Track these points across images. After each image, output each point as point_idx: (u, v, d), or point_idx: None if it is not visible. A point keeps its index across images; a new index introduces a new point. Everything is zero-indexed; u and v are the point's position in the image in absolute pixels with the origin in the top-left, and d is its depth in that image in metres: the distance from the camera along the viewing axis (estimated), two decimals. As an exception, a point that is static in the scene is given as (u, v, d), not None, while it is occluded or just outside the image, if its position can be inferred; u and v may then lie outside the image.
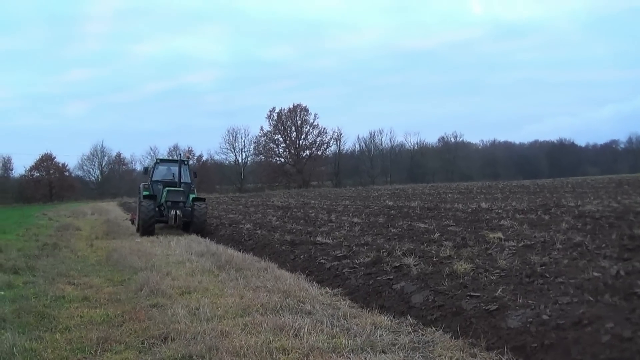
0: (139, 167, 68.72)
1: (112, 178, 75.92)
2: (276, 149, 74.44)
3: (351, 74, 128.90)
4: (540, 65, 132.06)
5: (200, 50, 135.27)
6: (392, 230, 10.89)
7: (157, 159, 19.83)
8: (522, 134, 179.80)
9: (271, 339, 4.58)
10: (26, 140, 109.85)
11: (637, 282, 4.75)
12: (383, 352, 4.28)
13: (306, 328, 4.83)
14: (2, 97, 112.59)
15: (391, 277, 6.49)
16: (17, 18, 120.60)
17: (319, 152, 74.39)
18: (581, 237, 7.72)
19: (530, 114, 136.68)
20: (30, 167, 67.77)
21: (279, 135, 73.66)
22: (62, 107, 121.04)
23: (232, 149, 76.10)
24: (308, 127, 73.30)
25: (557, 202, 15.99)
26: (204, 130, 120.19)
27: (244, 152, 76.71)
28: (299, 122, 73.17)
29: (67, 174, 70.61)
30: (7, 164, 67.70)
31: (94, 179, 76.69)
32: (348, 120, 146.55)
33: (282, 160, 74.86)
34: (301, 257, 9.08)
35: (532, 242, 7.67)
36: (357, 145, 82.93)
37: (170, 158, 24.60)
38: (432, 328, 4.89)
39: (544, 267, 5.88)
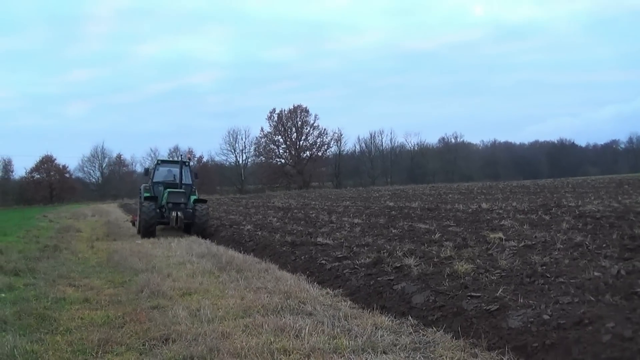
0: (139, 169, 68.90)
1: (112, 179, 75.95)
2: (276, 150, 74.52)
3: (352, 75, 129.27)
4: (540, 66, 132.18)
5: (202, 51, 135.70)
6: (393, 231, 10.89)
7: (158, 160, 19.76)
8: (522, 135, 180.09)
9: (272, 340, 4.59)
10: (26, 141, 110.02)
11: (637, 282, 4.75)
12: (384, 352, 4.28)
13: (307, 329, 4.83)
14: (3, 97, 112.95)
15: (392, 277, 6.49)
16: (19, 18, 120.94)
17: (320, 153, 74.40)
18: (582, 237, 7.72)
19: (531, 114, 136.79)
20: (31, 169, 67.93)
21: (280, 137, 73.73)
22: (62, 108, 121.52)
23: (233, 150, 76.28)
24: (308, 128, 73.42)
25: (557, 202, 15.98)
26: (205, 131, 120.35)
27: (245, 153, 76.92)
28: (300, 123, 73.24)
29: (67, 175, 70.70)
30: (7, 165, 67.85)
31: (94, 180, 76.85)
32: (348, 121, 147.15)
33: (283, 161, 74.87)
34: (302, 258, 9.08)
35: (533, 242, 7.66)
36: (358, 146, 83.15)
37: (171, 159, 24.57)
38: (433, 328, 4.89)
39: (544, 267, 5.88)
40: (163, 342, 4.73)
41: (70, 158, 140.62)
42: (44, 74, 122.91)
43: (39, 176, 68.08)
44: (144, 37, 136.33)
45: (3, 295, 6.91)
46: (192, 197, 16.74)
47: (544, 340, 4.03)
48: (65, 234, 17.96)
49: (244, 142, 76.18)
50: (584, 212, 11.31)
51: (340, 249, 8.93)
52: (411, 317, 5.28)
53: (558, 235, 8.09)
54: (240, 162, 77.21)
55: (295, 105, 73.29)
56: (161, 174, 17.93)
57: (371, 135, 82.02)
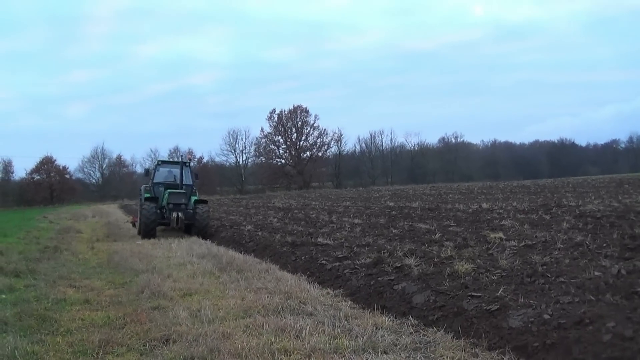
0: (139, 169, 68.92)
1: (112, 180, 75.94)
2: (277, 151, 74.52)
3: (352, 75, 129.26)
4: (540, 66, 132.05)
5: (202, 51, 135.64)
6: (393, 231, 10.89)
7: (158, 161, 19.70)
8: (522, 135, 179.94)
9: (273, 341, 4.59)
10: (27, 142, 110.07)
11: (638, 281, 4.75)
12: (385, 352, 4.28)
13: (308, 329, 4.83)
14: (3, 98, 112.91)
15: (392, 277, 6.49)
16: (18, 19, 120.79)
17: (320, 154, 74.39)
18: (582, 236, 7.71)
19: (531, 114, 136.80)
20: (31, 170, 67.83)
21: (280, 137, 73.73)
22: (62, 109, 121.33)
23: (233, 151, 76.29)
24: (308, 129, 73.41)
25: (558, 201, 15.98)
26: (205, 131, 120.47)
27: (245, 153, 76.93)
28: (300, 123, 73.24)
29: (67, 176, 70.61)
30: (7, 166, 67.81)
31: (94, 181, 76.81)
32: (349, 121, 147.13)
33: (283, 161, 74.85)
34: (302, 258, 9.08)
35: (533, 242, 7.66)
36: (358, 146, 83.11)
37: (172, 160, 24.54)
38: (433, 328, 4.89)
39: (545, 266, 5.87)
40: (164, 342, 4.73)
41: (71, 159, 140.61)
42: (44, 75, 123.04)
43: (39, 177, 68.05)
44: (144, 38, 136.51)
45: (3, 296, 6.91)
46: (193, 198, 16.69)
47: (544, 340, 4.03)
48: (65, 235, 17.96)
49: (244, 143, 76.36)
50: (585, 212, 11.31)
51: (340, 249, 8.93)
52: (412, 317, 5.28)
53: (558, 235, 8.09)
54: (241, 162, 77.34)
55: (295, 106, 73.41)
56: (162, 174, 17.90)
57: (371, 135, 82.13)
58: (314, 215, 17.71)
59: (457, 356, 4.16)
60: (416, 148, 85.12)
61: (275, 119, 73.23)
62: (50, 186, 67.16)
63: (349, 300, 6.32)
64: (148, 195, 16.66)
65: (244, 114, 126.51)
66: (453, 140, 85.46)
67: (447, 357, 4.16)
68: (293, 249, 9.96)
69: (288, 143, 73.56)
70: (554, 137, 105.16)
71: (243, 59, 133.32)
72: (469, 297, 5.16)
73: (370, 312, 5.69)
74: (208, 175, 63.65)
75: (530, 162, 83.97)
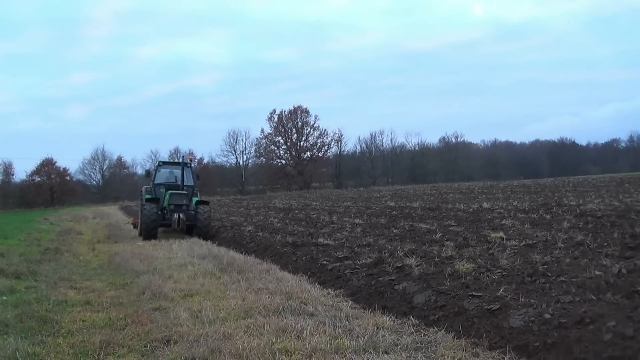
0: (140, 171, 69.00)
1: (113, 182, 75.97)
2: (277, 151, 74.57)
3: (352, 75, 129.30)
4: (540, 65, 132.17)
5: (202, 52, 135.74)
6: (394, 231, 10.89)
7: (159, 162, 19.59)
8: (523, 134, 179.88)
9: (274, 341, 4.59)
10: (27, 144, 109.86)
11: (639, 281, 4.75)
12: (385, 352, 4.29)
13: (309, 329, 4.83)
14: (4, 100, 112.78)
15: (393, 277, 6.49)
16: (19, 22, 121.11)
17: (320, 154, 74.42)
18: (583, 236, 7.71)
19: (531, 113, 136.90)
20: (32, 172, 67.88)
21: (280, 137, 73.77)
22: (63, 111, 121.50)
23: (233, 152, 76.30)
24: (309, 129, 73.46)
25: (558, 201, 15.98)
26: (205, 132, 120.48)
27: (245, 154, 76.97)
28: (300, 123, 73.28)
29: (68, 178, 70.64)
30: (8, 169, 67.81)
31: (95, 183, 76.84)
32: (349, 121, 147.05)
33: (283, 162, 74.86)
34: (303, 258, 9.08)
35: (534, 242, 7.66)
36: (358, 147, 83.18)
37: (173, 161, 24.50)
38: (434, 328, 4.89)
39: (545, 266, 5.87)
40: (165, 343, 4.74)
41: (71, 161, 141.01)
42: (44, 77, 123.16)
43: (39, 179, 68.08)
44: (144, 39, 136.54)
45: (5, 298, 6.92)
46: (194, 199, 16.66)
47: (545, 340, 4.03)
48: (66, 236, 17.97)
49: (245, 144, 76.39)
50: (585, 211, 11.31)
51: (341, 250, 8.93)
52: (412, 317, 5.28)
53: (559, 234, 8.09)
54: (241, 163, 77.39)
55: (296, 106, 73.47)
56: (163, 175, 17.88)
57: (371, 135, 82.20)
58: (314, 216, 17.71)
59: (458, 356, 4.16)
60: (416, 148, 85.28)
61: (276, 119, 73.38)
62: (50, 188, 67.20)
63: (349, 301, 6.32)
64: (149, 196, 16.63)
65: (244, 114, 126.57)
66: (453, 140, 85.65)
67: (448, 356, 4.16)
68: (294, 250, 9.96)
69: (288, 143, 73.62)
70: (554, 136, 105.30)
71: (243, 60, 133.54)
72: (470, 297, 5.16)
73: (371, 312, 5.69)
74: (208, 176, 63.64)
75: (531, 162, 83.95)
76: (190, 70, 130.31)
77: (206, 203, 16.79)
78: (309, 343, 4.49)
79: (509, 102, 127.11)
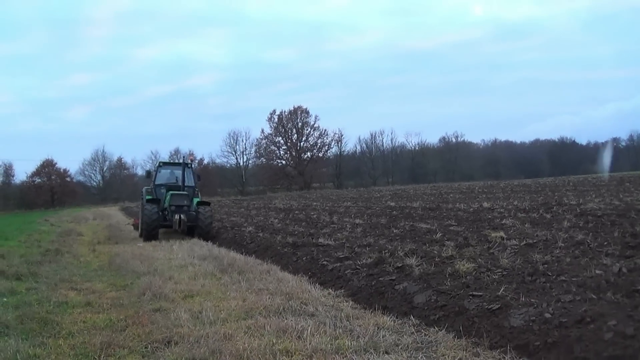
0: (140, 172, 68.95)
1: (113, 183, 75.97)
2: (277, 152, 74.55)
3: (352, 75, 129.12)
4: (540, 64, 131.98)
5: (202, 53, 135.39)
6: (394, 231, 10.89)
7: (159, 162, 19.52)
8: (523, 133, 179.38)
9: (274, 341, 4.59)
10: (27, 146, 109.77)
11: (639, 280, 4.75)
12: (386, 352, 4.29)
13: (309, 330, 4.83)
14: (4, 101, 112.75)
15: (393, 277, 6.50)
16: (19, 22, 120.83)
17: (320, 154, 74.42)
18: (583, 235, 7.71)
19: (532, 113, 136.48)
20: (32, 173, 67.87)
21: (280, 138, 73.77)
22: (63, 112, 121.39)
23: (233, 152, 76.25)
24: (309, 129, 73.44)
25: (558, 200, 15.98)
26: (206, 133, 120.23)
27: (245, 155, 76.92)
28: (300, 124, 73.27)
29: (68, 179, 70.62)
30: (8, 170, 67.80)
31: (95, 184, 76.85)
32: (349, 121, 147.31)
33: (283, 162, 74.87)
34: (303, 259, 9.09)
35: (534, 241, 7.66)
36: (358, 147, 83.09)
37: (173, 161, 24.44)
38: (435, 328, 4.89)
39: (546, 265, 5.87)
40: (165, 344, 4.74)
41: (71, 162, 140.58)
42: (44, 78, 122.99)
43: (40, 180, 68.08)
44: (144, 40, 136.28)
45: (5, 299, 6.92)
46: (195, 200, 16.59)
47: (545, 339, 4.03)
48: (66, 237, 17.97)
49: (245, 144, 76.34)
50: (585, 210, 11.31)
51: (341, 250, 8.93)
52: (413, 316, 5.28)
53: (559, 233, 8.09)
54: (241, 163, 77.35)
55: (296, 107, 73.46)
56: (163, 176, 17.83)
57: (372, 135, 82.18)
58: (315, 216, 17.71)
59: (458, 355, 4.16)
60: (417, 148, 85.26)
61: (276, 120, 73.38)
62: (51, 189, 67.21)
63: (350, 301, 6.33)
64: (150, 197, 16.58)
65: (244, 115, 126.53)
66: (453, 140, 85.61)
67: (448, 356, 4.16)
68: (294, 250, 9.96)
69: (288, 144, 73.62)
70: (554, 135, 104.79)
71: (243, 60, 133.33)
72: (470, 297, 5.16)
73: (371, 312, 5.69)
74: (209, 176, 63.60)
75: (531, 161, 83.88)
76: (190, 71, 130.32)
77: (207, 204, 16.74)
78: (310, 343, 4.49)
79: (509, 102, 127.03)
